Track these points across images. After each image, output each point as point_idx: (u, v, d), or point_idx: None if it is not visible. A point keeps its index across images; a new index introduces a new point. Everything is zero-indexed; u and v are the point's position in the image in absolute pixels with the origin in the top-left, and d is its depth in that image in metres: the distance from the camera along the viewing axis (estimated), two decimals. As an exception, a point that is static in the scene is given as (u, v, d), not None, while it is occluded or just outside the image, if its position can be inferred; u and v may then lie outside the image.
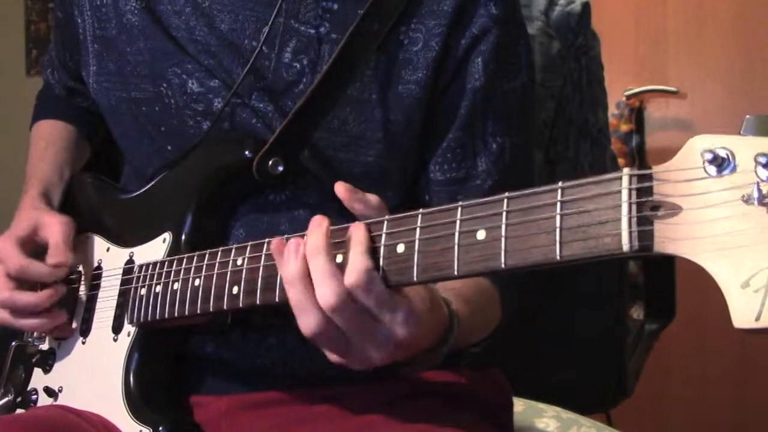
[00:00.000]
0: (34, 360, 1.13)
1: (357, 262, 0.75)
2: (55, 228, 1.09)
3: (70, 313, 1.10)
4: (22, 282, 1.07)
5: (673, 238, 0.61)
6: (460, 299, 0.91)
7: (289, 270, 0.78)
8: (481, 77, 1.03)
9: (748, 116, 0.60)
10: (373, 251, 0.77)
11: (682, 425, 2.66)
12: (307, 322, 0.78)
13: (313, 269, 0.77)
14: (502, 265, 0.69)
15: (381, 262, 0.76)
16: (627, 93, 2.72)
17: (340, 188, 0.81)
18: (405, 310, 0.76)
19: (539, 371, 1.62)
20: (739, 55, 2.58)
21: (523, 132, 1.09)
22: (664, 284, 1.81)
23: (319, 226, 0.79)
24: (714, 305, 0.64)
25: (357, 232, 0.77)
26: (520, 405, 1.36)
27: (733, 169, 0.59)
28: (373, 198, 0.81)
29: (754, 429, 2.54)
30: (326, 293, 0.76)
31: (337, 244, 0.79)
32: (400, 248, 0.76)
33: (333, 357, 0.81)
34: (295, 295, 0.78)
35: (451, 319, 0.86)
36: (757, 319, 0.57)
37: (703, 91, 2.67)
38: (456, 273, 0.72)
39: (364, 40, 0.99)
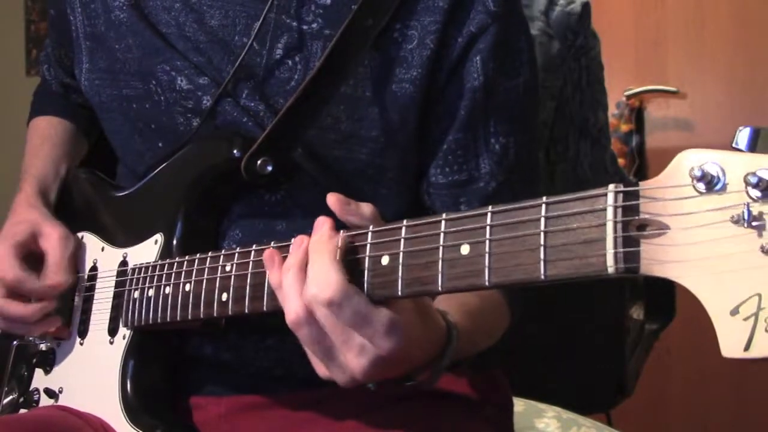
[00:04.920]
0: (34, 360, 1.13)
1: (326, 274, 0.74)
2: (54, 243, 1.08)
3: (68, 314, 1.09)
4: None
5: (661, 260, 0.58)
6: (462, 309, 0.88)
7: (289, 259, 0.78)
8: (480, 76, 1.00)
9: (740, 127, 0.57)
10: (357, 262, 0.76)
11: (682, 425, 2.66)
12: (293, 308, 0.76)
13: (312, 263, 0.76)
14: (486, 283, 0.68)
15: (366, 275, 0.75)
16: (627, 93, 2.72)
17: (332, 199, 0.79)
18: (386, 321, 0.74)
19: (539, 371, 1.62)
20: (739, 55, 2.58)
21: (527, 130, 1.06)
22: (663, 284, 1.81)
23: (323, 224, 0.78)
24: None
25: (326, 242, 0.76)
26: (520, 405, 1.36)
27: (723, 188, 0.56)
28: (366, 208, 0.79)
29: (754, 429, 2.53)
30: (316, 290, 0.75)
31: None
32: (385, 260, 0.75)
33: (320, 369, 0.80)
34: (287, 280, 0.77)
35: (449, 331, 0.82)
36: (746, 349, 0.54)
37: (703, 91, 2.67)
38: (440, 288, 0.71)
39: (358, 36, 0.96)
